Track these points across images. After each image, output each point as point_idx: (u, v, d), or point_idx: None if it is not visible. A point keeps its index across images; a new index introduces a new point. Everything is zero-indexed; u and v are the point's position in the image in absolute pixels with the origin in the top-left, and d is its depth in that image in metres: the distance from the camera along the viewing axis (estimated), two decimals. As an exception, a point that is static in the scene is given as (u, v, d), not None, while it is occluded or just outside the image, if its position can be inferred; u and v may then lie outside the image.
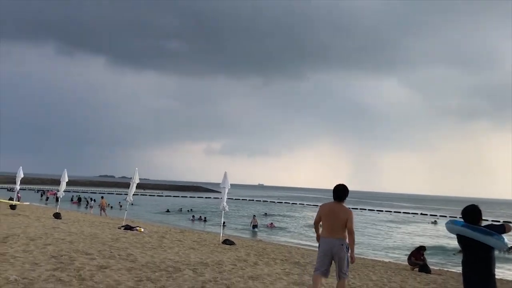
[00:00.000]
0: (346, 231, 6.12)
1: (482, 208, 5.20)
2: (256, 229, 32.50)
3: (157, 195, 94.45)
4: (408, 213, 74.62)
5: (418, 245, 17.35)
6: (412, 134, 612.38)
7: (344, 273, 6.21)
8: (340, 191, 6.30)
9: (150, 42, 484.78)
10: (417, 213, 74.09)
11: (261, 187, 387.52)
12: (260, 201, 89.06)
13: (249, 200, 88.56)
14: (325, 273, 6.32)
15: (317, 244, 6.74)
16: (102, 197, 41.23)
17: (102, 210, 36.79)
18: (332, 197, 6.35)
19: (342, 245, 6.12)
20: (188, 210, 51.19)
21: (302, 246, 23.03)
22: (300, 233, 33.57)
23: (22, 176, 29.49)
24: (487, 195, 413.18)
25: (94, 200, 49.82)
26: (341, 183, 6.41)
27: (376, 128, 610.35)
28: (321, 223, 6.43)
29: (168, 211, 50.23)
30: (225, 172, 17.32)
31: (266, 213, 52.36)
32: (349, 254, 6.16)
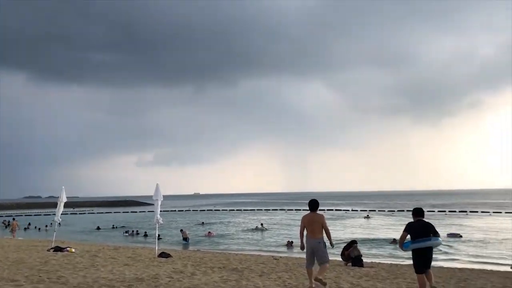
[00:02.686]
0: (323, 231, 8.50)
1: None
2: (187, 242, 31.66)
3: (88, 213, 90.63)
4: (340, 210, 77.25)
5: (350, 240, 17.93)
6: (339, 133, 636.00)
7: (325, 260, 8.50)
8: (314, 204, 8.71)
9: (74, 55, 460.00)
10: (348, 210, 76.84)
11: (197, 195, 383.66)
12: (196, 210, 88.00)
13: (185, 210, 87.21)
14: (313, 265, 8.67)
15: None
16: (13, 219, 39.98)
17: (13, 232, 35.45)
18: (309, 209, 8.74)
19: (319, 243, 8.46)
20: (120, 226, 49.46)
21: (240, 252, 23.12)
22: (240, 239, 33.68)
23: None
24: (410, 187, 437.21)
25: None
26: (313, 198, 8.92)
27: (305, 130, 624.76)
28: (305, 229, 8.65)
29: (98, 228, 47.90)
30: (157, 184, 17.04)
31: (203, 222, 51.69)
32: (326, 248, 8.49)
